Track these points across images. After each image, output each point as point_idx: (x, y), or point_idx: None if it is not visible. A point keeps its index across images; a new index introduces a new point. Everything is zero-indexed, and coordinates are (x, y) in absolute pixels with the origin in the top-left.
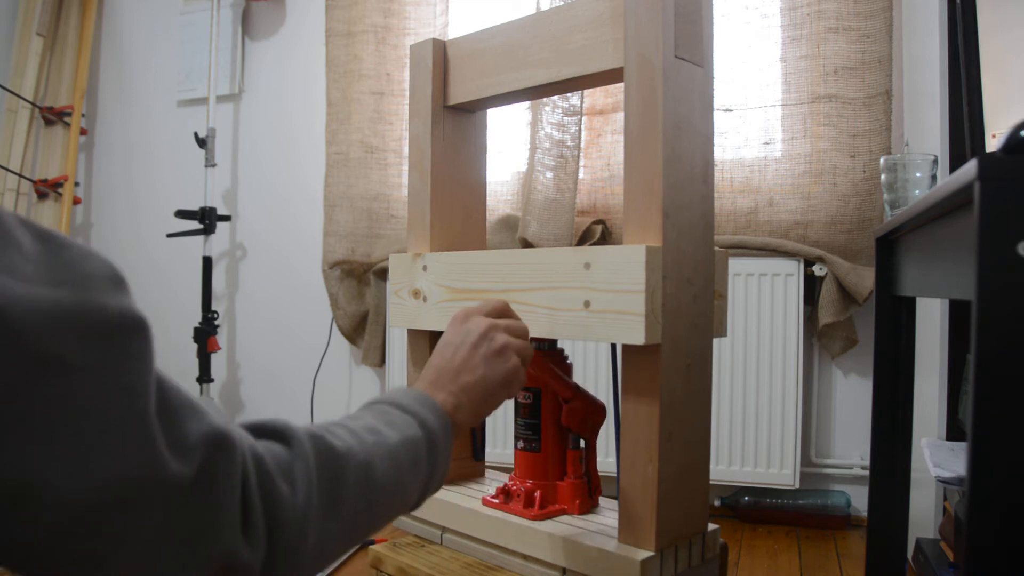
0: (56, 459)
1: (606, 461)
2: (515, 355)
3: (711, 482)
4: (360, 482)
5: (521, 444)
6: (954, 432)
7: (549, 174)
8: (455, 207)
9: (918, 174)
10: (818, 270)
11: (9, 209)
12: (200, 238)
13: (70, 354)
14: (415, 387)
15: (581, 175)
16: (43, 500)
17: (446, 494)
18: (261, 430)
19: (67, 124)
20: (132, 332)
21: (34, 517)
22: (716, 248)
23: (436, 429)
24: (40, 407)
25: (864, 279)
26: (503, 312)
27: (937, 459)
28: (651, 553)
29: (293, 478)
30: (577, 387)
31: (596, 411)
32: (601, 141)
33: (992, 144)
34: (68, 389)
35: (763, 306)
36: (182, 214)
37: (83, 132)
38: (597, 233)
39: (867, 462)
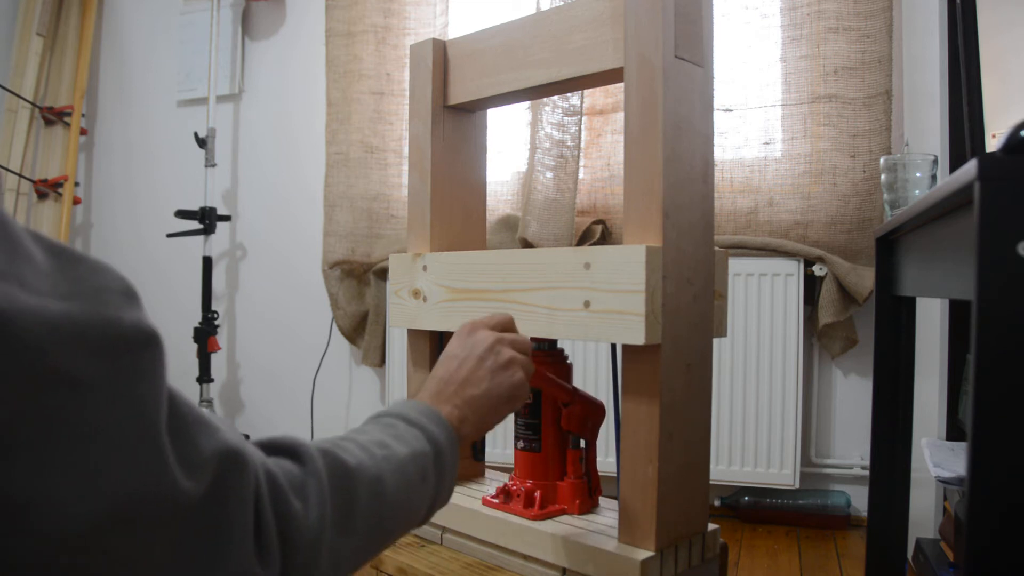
0: (64, 476)
1: (606, 461)
2: (520, 369)
3: (711, 482)
4: (372, 497)
5: (521, 444)
6: (954, 432)
7: (549, 174)
8: (455, 207)
9: (918, 174)
10: (818, 270)
11: (20, 223)
12: (200, 238)
13: (80, 368)
14: (419, 398)
15: (581, 175)
16: (49, 519)
17: None
18: (272, 447)
19: (67, 124)
20: (144, 346)
21: (39, 537)
22: (716, 248)
23: (443, 442)
24: (48, 422)
25: (864, 279)
26: (507, 326)
27: (937, 459)
28: (651, 553)
29: (306, 495)
30: (575, 390)
31: (595, 411)
32: (601, 141)
33: (992, 144)
34: (77, 404)
35: (763, 306)
36: (182, 214)
37: (83, 132)
38: (597, 233)
39: (867, 462)
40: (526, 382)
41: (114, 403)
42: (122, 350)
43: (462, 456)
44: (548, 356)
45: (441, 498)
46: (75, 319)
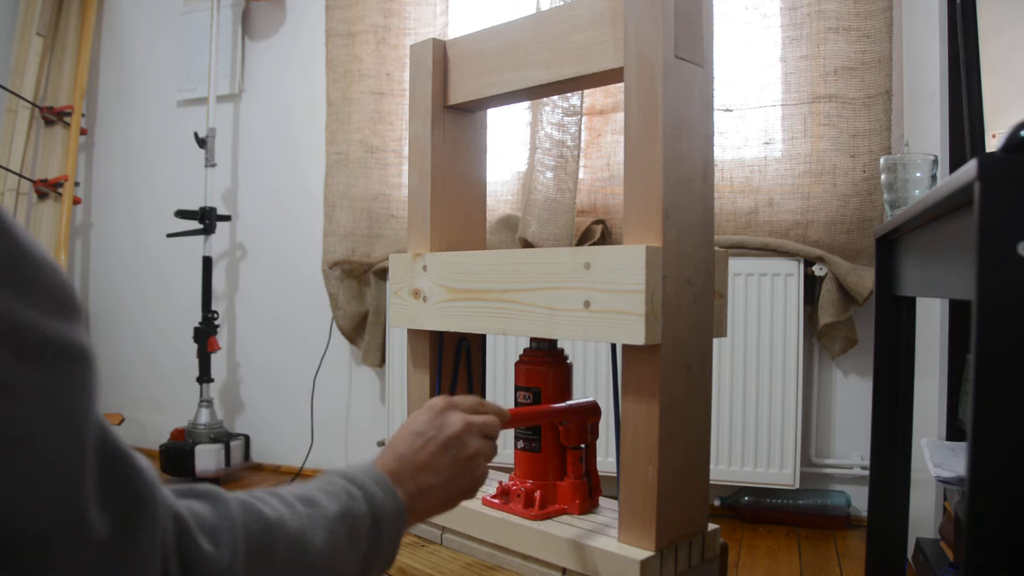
0: None
1: (606, 461)
2: (484, 461)
3: (711, 482)
4: (292, 551)
5: (521, 444)
6: (954, 432)
7: (549, 174)
8: (455, 207)
9: (918, 174)
10: (818, 270)
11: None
12: (200, 238)
13: (5, 372)
14: (374, 466)
15: (581, 175)
16: None
17: None
18: (187, 493)
19: (67, 124)
20: (75, 360)
21: None
22: (716, 248)
23: (386, 507)
24: None
25: (864, 279)
26: (478, 409)
27: (937, 459)
28: (651, 553)
29: (218, 538)
30: (567, 409)
31: (590, 415)
32: (601, 141)
33: (992, 144)
34: (2, 409)
35: (763, 306)
36: (182, 214)
37: (83, 132)
38: (597, 233)
39: (867, 462)
40: (486, 473)
41: (42, 414)
42: (52, 359)
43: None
44: (548, 356)
45: (377, 565)
46: (4, 317)
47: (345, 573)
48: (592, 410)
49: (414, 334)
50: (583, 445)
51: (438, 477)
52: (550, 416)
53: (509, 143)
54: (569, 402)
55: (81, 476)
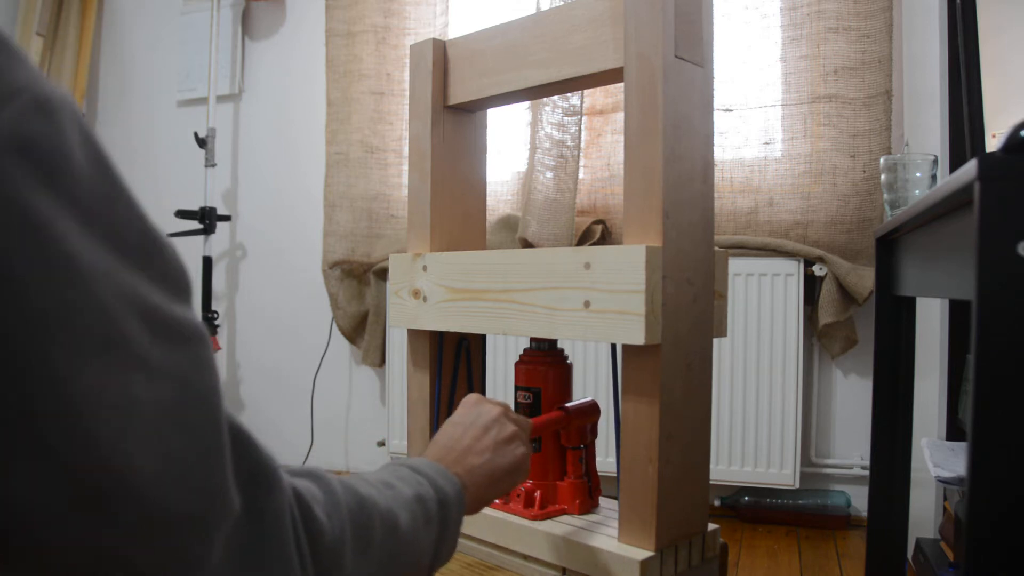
0: (146, 457)
1: (606, 461)
2: (523, 445)
3: (711, 482)
4: (385, 527)
5: None
6: (954, 432)
7: (549, 174)
8: (455, 207)
9: (918, 174)
10: (818, 270)
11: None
12: (200, 238)
13: (145, 348)
14: (425, 458)
15: (581, 175)
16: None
17: None
18: (292, 473)
19: None
20: (201, 341)
21: (115, 515)
22: (716, 248)
23: (449, 494)
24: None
25: (864, 279)
26: (508, 411)
27: (937, 459)
28: (651, 553)
29: (329, 511)
30: (566, 412)
31: (589, 415)
32: (601, 141)
33: (992, 144)
34: (144, 381)
35: (763, 306)
36: (182, 214)
37: None
38: (597, 233)
39: (867, 462)
40: (528, 459)
41: (185, 388)
42: (185, 338)
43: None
44: (548, 356)
45: (445, 550)
46: (143, 298)
47: (423, 554)
48: (592, 409)
49: (414, 334)
50: (583, 445)
51: (482, 457)
52: (556, 423)
53: (509, 143)
54: (578, 402)
55: (223, 452)
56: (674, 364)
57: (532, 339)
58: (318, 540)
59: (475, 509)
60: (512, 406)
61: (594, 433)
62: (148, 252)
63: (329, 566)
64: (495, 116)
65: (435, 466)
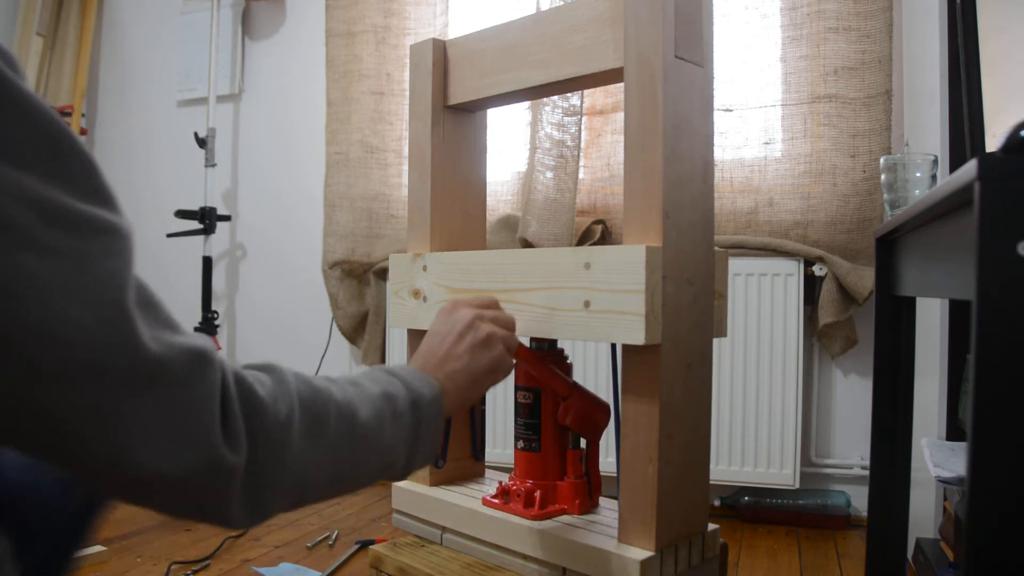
0: (38, 321)
1: (606, 461)
2: (500, 343)
3: (711, 482)
4: (341, 417)
5: (521, 444)
6: (954, 432)
7: (549, 174)
8: (455, 207)
9: (918, 174)
10: (818, 270)
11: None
12: (200, 238)
13: (51, 239)
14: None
15: (581, 175)
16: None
17: (446, 494)
18: (246, 366)
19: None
20: (113, 233)
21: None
22: (716, 248)
23: (423, 392)
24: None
25: (864, 279)
26: (490, 305)
27: (937, 459)
28: (651, 553)
29: (275, 395)
30: (576, 385)
31: (598, 411)
32: (601, 141)
33: (992, 144)
34: (46, 266)
35: (763, 306)
36: (182, 214)
37: (83, 132)
38: (597, 233)
39: (867, 462)
40: (507, 356)
41: (83, 268)
42: (79, 228)
43: (462, 456)
44: (548, 356)
45: (421, 448)
46: (35, 191)
47: (392, 449)
48: (603, 407)
49: (414, 334)
50: (583, 441)
51: (460, 362)
52: (560, 382)
53: (509, 143)
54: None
55: (129, 323)
56: (674, 364)
57: (532, 339)
58: (257, 416)
59: (461, 407)
60: (512, 406)
61: (598, 433)
62: (49, 156)
63: (270, 443)
64: (495, 116)
65: (412, 370)
